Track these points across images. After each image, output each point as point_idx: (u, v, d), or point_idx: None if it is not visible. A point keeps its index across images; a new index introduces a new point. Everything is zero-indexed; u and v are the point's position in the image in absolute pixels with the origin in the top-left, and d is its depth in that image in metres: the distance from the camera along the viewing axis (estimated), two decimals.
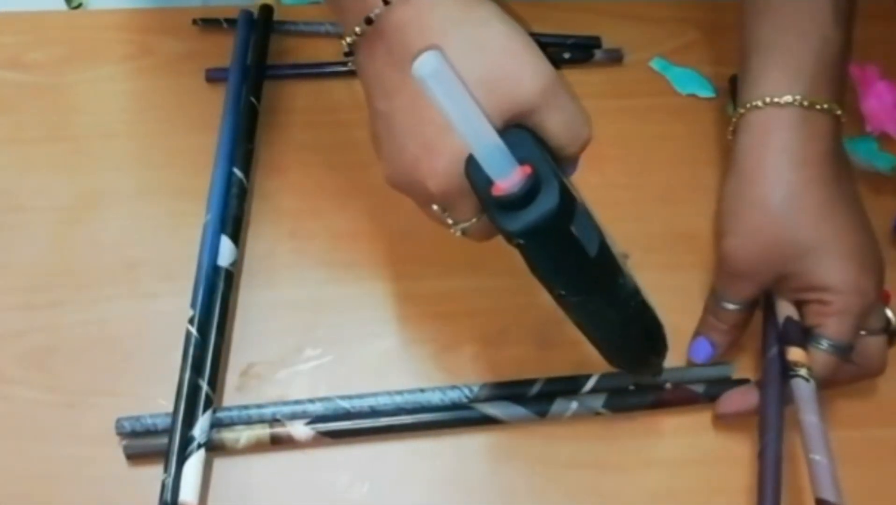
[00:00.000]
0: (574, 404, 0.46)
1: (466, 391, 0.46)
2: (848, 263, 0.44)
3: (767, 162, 0.45)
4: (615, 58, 0.58)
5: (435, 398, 0.46)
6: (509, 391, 0.46)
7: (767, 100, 0.46)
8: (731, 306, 0.47)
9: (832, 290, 0.44)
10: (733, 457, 0.46)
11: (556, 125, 0.38)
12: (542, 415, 0.45)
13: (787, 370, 0.44)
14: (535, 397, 0.46)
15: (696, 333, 0.48)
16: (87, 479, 0.44)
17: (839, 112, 0.46)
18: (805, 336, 0.44)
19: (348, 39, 0.40)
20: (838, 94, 0.46)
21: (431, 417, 0.45)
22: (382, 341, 0.48)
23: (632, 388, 0.47)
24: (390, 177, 0.40)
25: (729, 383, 0.47)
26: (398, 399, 0.46)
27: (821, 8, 0.46)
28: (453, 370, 0.47)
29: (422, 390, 0.46)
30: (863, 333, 0.45)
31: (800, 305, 0.45)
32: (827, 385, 0.44)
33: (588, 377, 0.46)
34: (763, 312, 0.48)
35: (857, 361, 0.45)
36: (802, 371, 0.43)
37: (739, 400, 0.46)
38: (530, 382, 0.46)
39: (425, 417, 0.45)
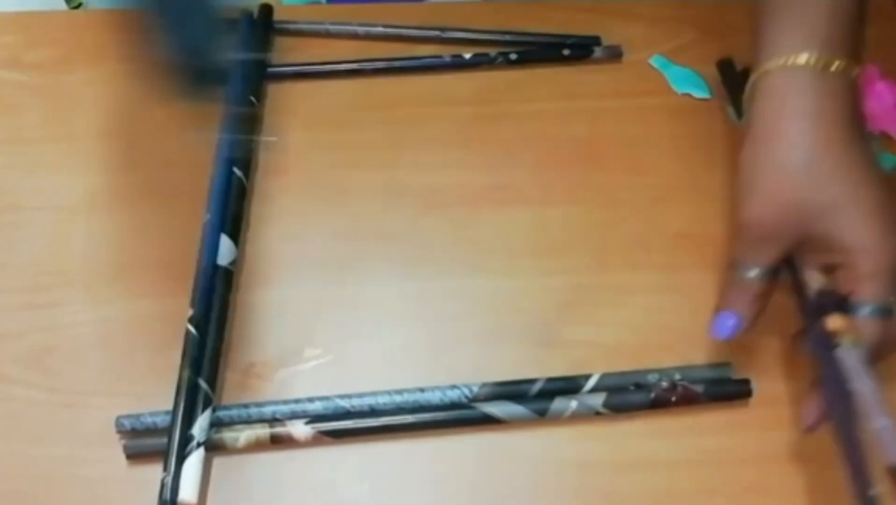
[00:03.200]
0: (574, 403, 0.45)
1: (466, 391, 0.46)
2: (871, 221, 0.43)
3: (784, 124, 0.45)
4: (615, 54, 0.58)
5: (435, 398, 0.46)
6: (509, 391, 0.46)
7: (781, 62, 0.45)
8: (753, 273, 0.45)
9: (858, 250, 0.43)
10: (733, 457, 0.46)
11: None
12: (542, 414, 0.45)
13: (828, 343, 0.42)
14: (535, 397, 0.46)
15: (718, 309, 0.46)
16: (86, 478, 0.44)
17: (855, 72, 0.45)
18: (842, 304, 0.43)
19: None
20: (854, 54, 0.45)
21: (431, 417, 0.45)
22: (382, 341, 0.48)
23: (632, 388, 0.46)
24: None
25: (728, 384, 0.47)
26: (398, 399, 0.46)
27: None
28: (453, 370, 0.47)
29: (422, 390, 0.46)
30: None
31: (829, 274, 0.45)
32: (881, 354, 0.43)
33: (588, 377, 0.46)
34: (800, 308, 0.47)
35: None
36: (845, 339, 0.42)
37: (817, 406, 0.44)
38: (530, 382, 0.46)
39: (425, 416, 0.45)
